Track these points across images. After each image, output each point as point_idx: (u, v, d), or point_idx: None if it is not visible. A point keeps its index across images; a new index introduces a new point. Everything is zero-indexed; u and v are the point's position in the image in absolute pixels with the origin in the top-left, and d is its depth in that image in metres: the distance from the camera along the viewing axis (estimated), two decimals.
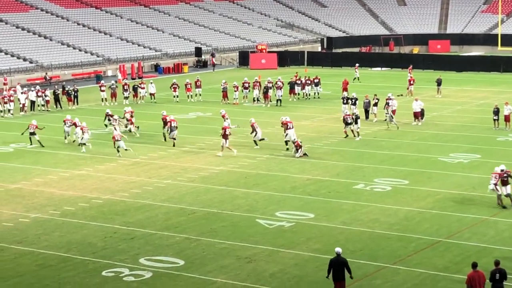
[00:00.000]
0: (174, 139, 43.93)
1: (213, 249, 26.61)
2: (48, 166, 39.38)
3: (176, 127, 44.15)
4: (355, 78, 70.92)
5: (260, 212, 30.90)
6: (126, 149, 41.34)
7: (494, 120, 47.58)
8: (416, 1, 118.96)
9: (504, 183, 30.69)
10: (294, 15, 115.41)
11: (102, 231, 28.69)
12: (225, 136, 40.77)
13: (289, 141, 41.97)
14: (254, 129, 42.86)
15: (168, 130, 44.26)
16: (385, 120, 48.09)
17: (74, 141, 44.45)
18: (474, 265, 20.70)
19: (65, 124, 45.41)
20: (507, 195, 30.68)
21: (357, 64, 73.98)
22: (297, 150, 40.46)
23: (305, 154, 40.49)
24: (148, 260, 25.52)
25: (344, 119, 45.44)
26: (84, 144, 42.67)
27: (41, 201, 32.97)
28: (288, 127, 42.22)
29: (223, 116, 45.65)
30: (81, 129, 43.22)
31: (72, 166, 39.34)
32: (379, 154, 41.41)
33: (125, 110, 48.56)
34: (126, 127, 47.68)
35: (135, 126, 47.35)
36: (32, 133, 44.29)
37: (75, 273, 24.60)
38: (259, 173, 37.31)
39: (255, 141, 42.93)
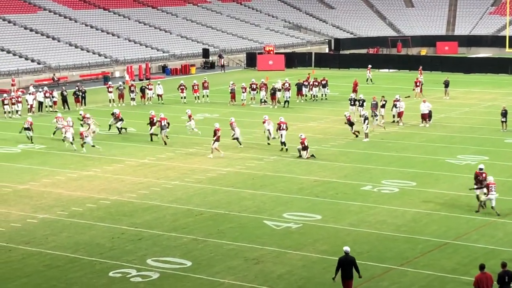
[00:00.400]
0: (167, 137, 44.54)
1: (221, 250, 26.62)
2: (56, 167, 39.45)
3: (168, 123, 44.87)
4: (368, 79, 70.95)
5: (268, 213, 30.90)
6: (92, 145, 42.41)
7: (502, 122, 47.48)
8: (424, 3, 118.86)
9: (482, 182, 30.78)
10: (302, 16, 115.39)
11: (110, 232, 28.73)
12: (218, 139, 40.78)
13: (284, 142, 42.29)
14: (232, 129, 43.17)
15: (159, 129, 44.79)
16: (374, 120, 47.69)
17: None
18: (482, 267, 20.67)
19: (57, 121, 46.38)
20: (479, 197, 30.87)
21: (369, 66, 73.79)
22: (303, 149, 40.43)
23: (312, 156, 40.47)
24: (156, 261, 25.54)
25: (348, 121, 45.50)
26: (71, 143, 43.27)
27: (49, 201, 33.03)
28: (282, 128, 42.37)
29: (189, 116, 45.98)
30: (63, 127, 44.03)
31: (80, 167, 39.40)
32: (386, 155, 41.37)
33: (114, 112, 48.39)
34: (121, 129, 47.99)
35: (92, 132, 47.04)
36: (27, 128, 45.36)
37: (83, 273, 24.64)
38: (267, 174, 37.31)
39: (237, 139, 43.27)
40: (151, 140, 45.24)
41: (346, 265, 21.86)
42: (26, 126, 45.53)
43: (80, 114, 48.04)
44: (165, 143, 44.23)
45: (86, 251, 26.66)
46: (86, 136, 42.55)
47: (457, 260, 25.37)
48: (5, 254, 26.59)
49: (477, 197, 30.77)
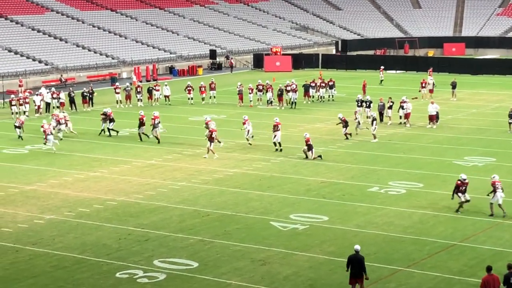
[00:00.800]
0: (157, 136, 45.34)
1: (227, 251, 26.62)
2: (63, 168, 39.51)
3: (160, 122, 45.66)
4: (381, 80, 70.85)
5: (274, 214, 30.90)
6: (45, 144, 43.48)
7: (510, 123, 47.38)
8: (431, 4, 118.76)
9: (464, 191, 30.83)
10: (309, 17, 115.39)
11: (117, 233, 28.75)
12: (211, 139, 40.87)
13: (277, 142, 42.60)
14: (207, 128, 43.77)
15: (151, 127, 45.53)
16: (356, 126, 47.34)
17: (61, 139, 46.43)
18: (489, 269, 20.64)
19: (52, 118, 47.51)
20: (468, 201, 30.91)
21: (382, 67, 73.63)
22: (308, 149, 40.42)
23: (319, 157, 40.44)
24: (162, 262, 25.55)
25: (344, 122, 45.38)
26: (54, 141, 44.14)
27: (56, 202, 33.08)
28: (277, 129, 42.67)
29: (155, 117, 46.20)
30: (42, 127, 44.58)
31: (87, 168, 39.46)
32: (393, 157, 41.32)
33: (105, 112, 48.39)
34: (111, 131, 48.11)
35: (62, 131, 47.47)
36: (18, 127, 46.89)
37: (89, 274, 24.67)
38: (273, 176, 37.30)
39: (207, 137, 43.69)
40: (141, 140, 45.74)
41: (355, 263, 22.04)
42: (17, 124, 46.95)
43: (57, 115, 48.86)
44: (158, 141, 44.99)
45: (93, 252, 26.69)
46: (48, 134, 43.47)
47: (464, 261, 25.34)
48: (12, 254, 26.64)
49: (462, 202, 30.84)
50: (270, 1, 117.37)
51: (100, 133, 47.85)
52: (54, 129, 45.97)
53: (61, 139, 46.41)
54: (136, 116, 47.88)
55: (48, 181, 36.86)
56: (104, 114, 48.10)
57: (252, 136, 44.18)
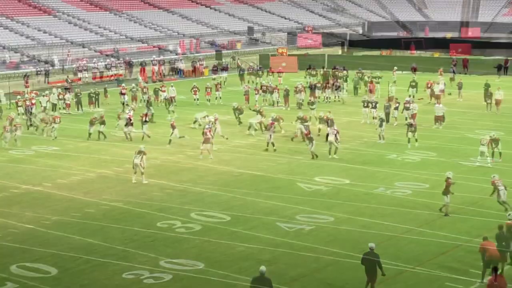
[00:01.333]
0: (145, 134, 46.25)
1: (233, 252, 26.65)
2: (69, 169, 39.55)
3: (148, 120, 46.94)
4: (394, 81, 70.75)
5: (280, 215, 30.91)
6: (15, 139, 45.28)
7: None
8: (437, 4, 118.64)
9: (448, 192, 30.81)
10: (315, 18, 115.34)
11: (123, 234, 28.80)
12: (205, 141, 40.93)
13: (272, 142, 42.88)
14: (173, 128, 44.60)
15: (141, 125, 46.47)
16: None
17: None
18: (495, 270, 20.62)
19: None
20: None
21: (395, 68, 73.51)
22: (310, 142, 40.58)
23: (315, 155, 40.57)
24: (168, 263, 25.59)
25: (327, 121, 45.14)
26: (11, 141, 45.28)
27: (62, 203, 33.13)
28: (269, 128, 43.23)
29: (143, 115, 46.93)
30: (15, 125, 45.81)
31: (93, 168, 39.50)
32: (399, 157, 41.28)
33: (96, 117, 48.43)
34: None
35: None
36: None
37: (96, 275, 24.73)
38: (279, 176, 37.31)
39: (170, 140, 44.51)
40: (128, 138, 46.30)
41: (367, 261, 22.10)
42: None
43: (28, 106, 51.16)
44: (148, 137, 45.91)
45: (99, 253, 26.74)
46: (7, 131, 44.77)
47: (470, 262, 25.30)
48: (19, 255, 26.70)
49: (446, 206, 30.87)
50: (276, 2, 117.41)
51: (88, 138, 47.50)
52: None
53: (56, 137, 46.83)
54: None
55: (55, 181, 36.92)
56: (95, 118, 48.01)
57: (223, 136, 44.95)
